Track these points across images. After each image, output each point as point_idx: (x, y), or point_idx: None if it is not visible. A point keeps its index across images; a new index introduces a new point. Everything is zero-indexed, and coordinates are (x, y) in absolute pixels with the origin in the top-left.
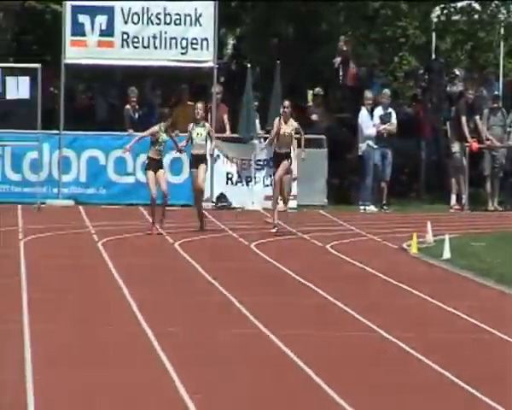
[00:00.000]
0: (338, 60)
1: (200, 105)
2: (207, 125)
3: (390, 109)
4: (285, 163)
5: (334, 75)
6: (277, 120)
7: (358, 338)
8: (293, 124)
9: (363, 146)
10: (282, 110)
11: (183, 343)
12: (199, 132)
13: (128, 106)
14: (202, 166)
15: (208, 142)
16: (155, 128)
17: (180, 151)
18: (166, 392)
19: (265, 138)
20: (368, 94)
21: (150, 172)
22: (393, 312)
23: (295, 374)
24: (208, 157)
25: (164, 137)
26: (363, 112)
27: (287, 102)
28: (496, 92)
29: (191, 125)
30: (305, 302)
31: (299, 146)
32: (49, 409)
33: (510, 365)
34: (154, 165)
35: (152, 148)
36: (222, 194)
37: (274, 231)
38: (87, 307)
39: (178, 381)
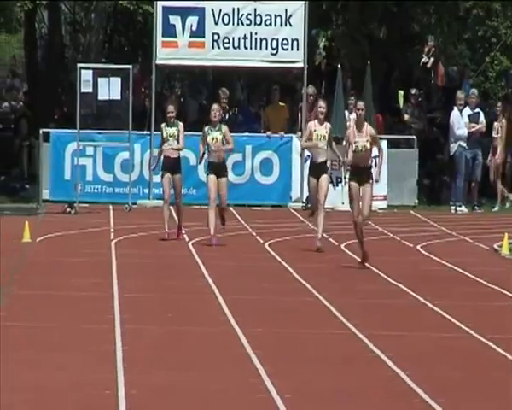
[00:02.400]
0: (429, 60)
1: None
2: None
3: (478, 109)
4: (367, 190)
5: (425, 76)
6: (350, 129)
7: (450, 340)
8: (368, 131)
9: (454, 146)
10: (356, 113)
11: (272, 343)
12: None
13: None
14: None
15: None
16: (204, 130)
17: (200, 161)
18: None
19: None
20: (460, 94)
21: (211, 177)
22: (485, 314)
23: (384, 372)
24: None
25: (213, 135)
26: (455, 112)
27: (361, 104)
28: None
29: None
30: (395, 303)
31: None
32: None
33: None
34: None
35: (208, 151)
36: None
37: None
38: (177, 306)
39: (269, 381)
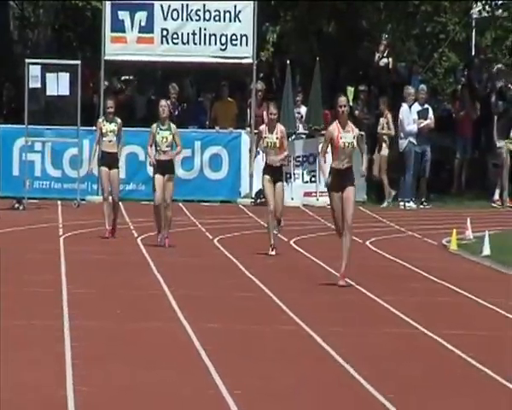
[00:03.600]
0: (388, 60)
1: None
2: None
3: (426, 105)
4: (350, 190)
5: (374, 72)
6: (333, 125)
7: (399, 335)
8: (353, 129)
9: (404, 142)
10: (339, 110)
11: (222, 339)
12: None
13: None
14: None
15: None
16: (152, 129)
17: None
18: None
19: (307, 135)
20: (409, 90)
21: (158, 176)
22: (434, 309)
23: (333, 368)
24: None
25: (162, 134)
26: (405, 108)
27: (343, 99)
28: None
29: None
30: (344, 299)
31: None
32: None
33: None
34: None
35: (156, 150)
36: (261, 190)
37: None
38: (126, 302)
39: (218, 377)
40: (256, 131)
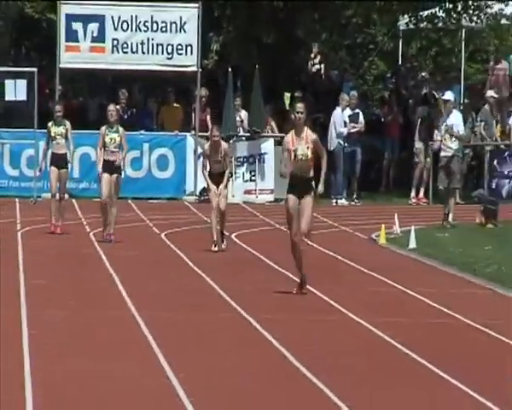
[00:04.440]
0: (320, 67)
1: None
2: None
3: (357, 110)
4: (307, 204)
5: (308, 79)
6: (289, 135)
7: (332, 322)
8: (308, 137)
9: (333, 143)
10: (295, 115)
11: (169, 327)
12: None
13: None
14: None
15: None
16: (101, 131)
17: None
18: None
19: (247, 137)
20: (344, 96)
21: (105, 175)
22: (364, 298)
23: (272, 354)
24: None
25: (111, 136)
26: (337, 111)
27: (300, 105)
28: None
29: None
30: (282, 289)
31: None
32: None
33: (472, 347)
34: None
35: (104, 150)
36: (204, 188)
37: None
38: (79, 293)
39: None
40: (200, 134)
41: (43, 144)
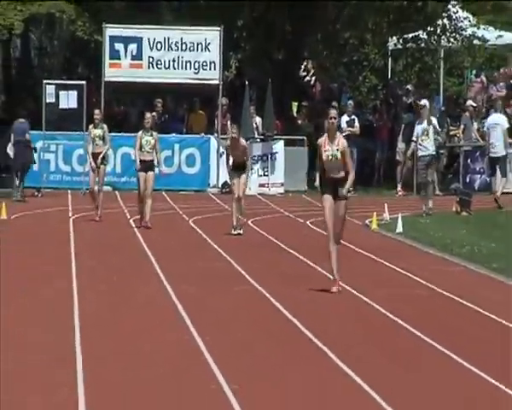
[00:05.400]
0: (311, 78)
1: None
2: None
3: (353, 116)
4: (341, 204)
5: (310, 90)
6: (323, 137)
7: (335, 295)
8: (340, 142)
9: None
10: (329, 121)
11: (198, 300)
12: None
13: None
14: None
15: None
16: (138, 134)
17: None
18: (181, 334)
19: (261, 139)
20: (334, 104)
21: (141, 173)
22: (358, 272)
23: (283, 325)
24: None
25: (146, 139)
26: None
27: (333, 112)
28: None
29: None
30: (286, 266)
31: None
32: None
33: (447, 313)
34: (144, 165)
35: (141, 151)
36: (226, 182)
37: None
38: (120, 270)
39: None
40: (222, 136)
41: (86, 145)
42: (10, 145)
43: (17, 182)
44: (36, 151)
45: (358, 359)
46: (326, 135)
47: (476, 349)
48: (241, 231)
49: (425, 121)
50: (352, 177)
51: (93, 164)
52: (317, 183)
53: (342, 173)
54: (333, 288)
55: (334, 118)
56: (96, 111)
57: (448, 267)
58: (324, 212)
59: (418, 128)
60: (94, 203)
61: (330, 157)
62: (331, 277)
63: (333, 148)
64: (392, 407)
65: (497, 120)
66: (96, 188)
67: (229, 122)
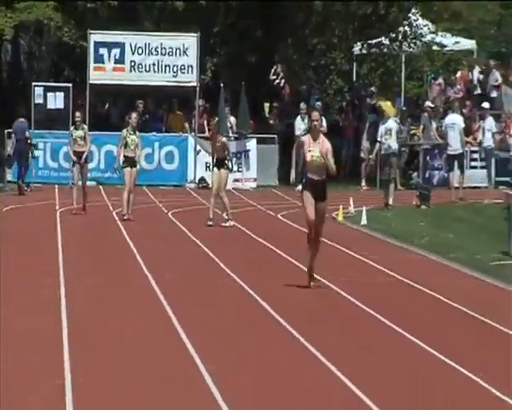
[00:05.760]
0: (280, 81)
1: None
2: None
3: (321, 116)
4: (322, 205)
5: (280, 92)
6: (306, 136)
7: (304, 282)
8: (323, 143)
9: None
10: (311, 123)
11: (178, 286)
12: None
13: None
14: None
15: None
16: (123, 134)
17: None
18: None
19: (236, 138)
20: (302, 105)
21: (127, 169)
22: (326, 261)
23: (247, 300)
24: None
25: (131, 138)
26: (298, 119)
27: (316, 113)
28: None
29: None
30: (255, 254)
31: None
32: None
33: (405, 297)
34: (130, 162)
35: (125, 149)
36: (202, 177)
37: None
38: (106, 261)
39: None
40: (199, 135)
41: (68, 144)
42: (11, 143)
43: (9, 177)
44: (36, 147)
45: (324, 340)
46: (309, 135)
47: (431, 331)
48: (233, 223)
49: (388, 121)
50: (332, 168)
51: (75, 160)
52: (293, 179)
53: (323, 176)
54: (311, 283)
55: (317, 120)
56: (77, 113)
57: (408, 256)
58: (306, 210)
59: (382, 128)
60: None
61: (314, 158)
62: (309, 272)
63: (316, 149)
64: (356, 385)
65: (455, 119)
66: (79, 183)
67: (205, 122)
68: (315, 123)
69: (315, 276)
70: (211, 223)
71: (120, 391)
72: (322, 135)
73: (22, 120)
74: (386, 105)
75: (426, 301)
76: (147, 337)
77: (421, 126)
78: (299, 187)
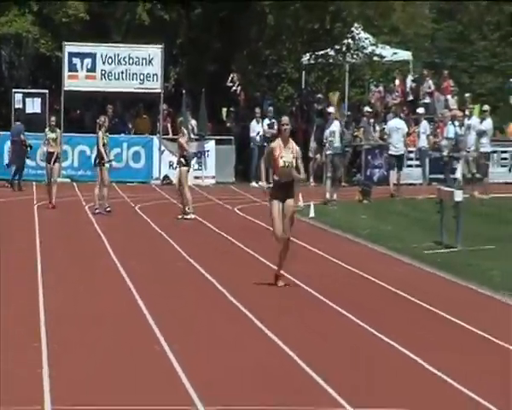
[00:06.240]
0: (236, 88)
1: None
2: (107, 135)
3: (273, 120)
4: (290, 204)
5: (236, 98)
6: (276, 142)
7: (259, 271)
8: (293, 148)
9: (252, 144)
10: (281, 128)
11: (144, 273)
12: (108, 140)
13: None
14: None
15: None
16: (100, 134)
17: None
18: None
19: (196, 139)
20: (257, 110)
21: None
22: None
23: (207, 286)
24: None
25: (106, 140)
26: (253, 122)
27: (285, 118)
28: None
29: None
30: (215, 245)
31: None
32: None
33: (349, 283)
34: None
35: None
36: (166, 175)
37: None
38: (76, 247)
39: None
40: (163, 136)
41: (42, 145)
42: (9, 144)
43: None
44: (31, 148)
45: (275, 320)
46: (279, 140)
47: (372, 314)
48: (193, 216)
49: (332, 125)
50: (301, 172)
51: (48, 160)
52: (264, 184)
53: (291, 178)
54: (279, 282)
55: (287, 124)
56: (52, 118)
57: (352, 246)
58: (273, 213)
59: (326, 131)
60: (48, 193)
61: (287, 164)
62: (277, 270)
63: (288, 154)
64: (306, 362)
65: (399, 124)
66: (51, 180)
67: (169, 125)
68: (285, 127)
69: (283, 274)
70: (187, 216)
71: (90, 369)
72: (291, 140)
73: (18, 123)
74: (334, 94)
75: (367, 287)
76: (115, 319)
77: (362, 129)
78: (264, 183)
